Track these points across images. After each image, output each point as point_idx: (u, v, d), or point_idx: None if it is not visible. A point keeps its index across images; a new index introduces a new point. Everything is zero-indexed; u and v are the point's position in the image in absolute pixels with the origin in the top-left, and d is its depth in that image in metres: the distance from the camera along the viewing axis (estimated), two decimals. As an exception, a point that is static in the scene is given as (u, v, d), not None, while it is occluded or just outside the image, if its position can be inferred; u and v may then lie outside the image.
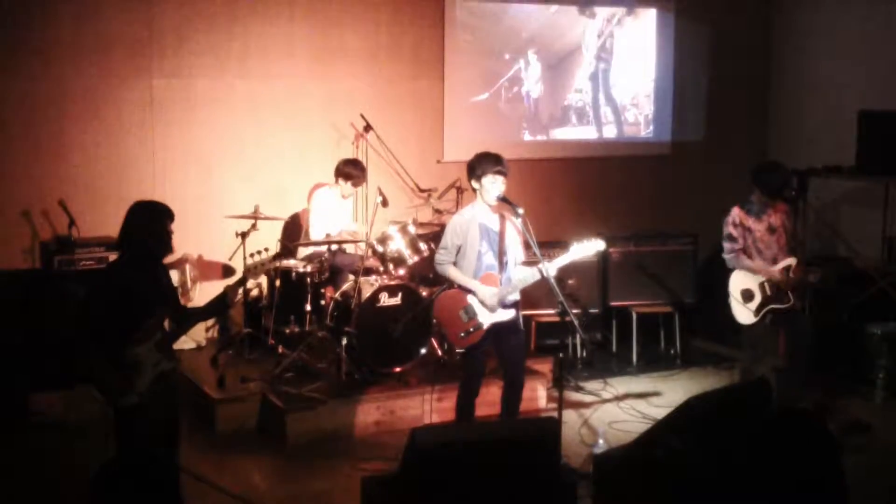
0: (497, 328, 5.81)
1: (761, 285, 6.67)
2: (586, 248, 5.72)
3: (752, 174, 6.83)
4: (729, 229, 6.72)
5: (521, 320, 5.97)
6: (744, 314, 6.71)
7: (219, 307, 5.06)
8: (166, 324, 4.95)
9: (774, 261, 6.70)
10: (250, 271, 5.13)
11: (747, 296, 6.67)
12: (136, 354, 4.73)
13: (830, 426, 6.52)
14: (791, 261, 6.69)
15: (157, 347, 4.78)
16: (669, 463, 4.71)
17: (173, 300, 5.01)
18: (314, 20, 8.30)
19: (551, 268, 5.56)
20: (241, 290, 5.06)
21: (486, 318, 5.77)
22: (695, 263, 8.82)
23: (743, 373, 6.98)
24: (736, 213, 6.74)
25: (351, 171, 7.61)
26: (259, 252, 5.23)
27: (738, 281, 6.73)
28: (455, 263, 5.83)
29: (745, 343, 6.92)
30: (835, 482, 2.60)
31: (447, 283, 6.01)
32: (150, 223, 4.82)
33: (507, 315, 5.81)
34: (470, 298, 5.78)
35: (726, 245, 6.73)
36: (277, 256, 5.26)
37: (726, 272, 6.82)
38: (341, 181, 7.63)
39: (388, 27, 8.57)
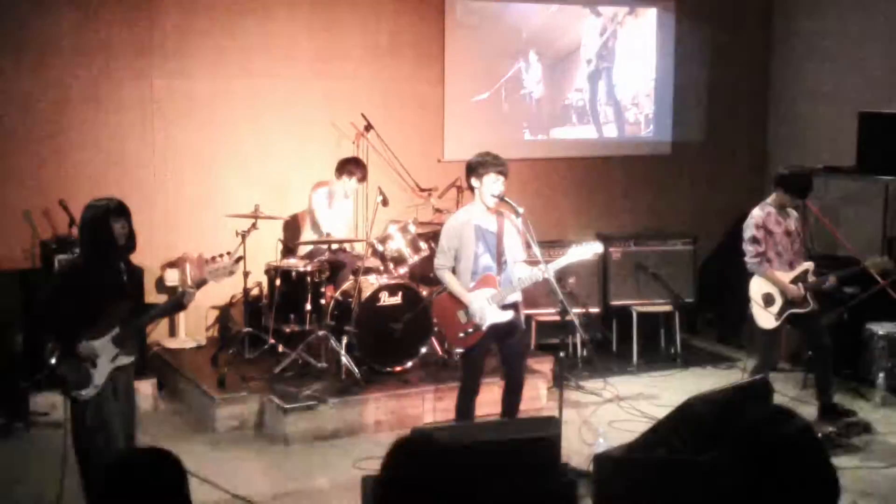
0: (497, 328, 5.80)
1: (781, 290, 6.68)
2: (584, 251, 5.73)
3: (778, 177, 6.82)
4: (753, 232, 6.67)
5: (522, 320, 5.97)
6: (766, 319, 6.70)
7: (175, 307, 5.30)
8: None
9: (791, 265, 6.71)
10: (212, 275, 5.17)
11: (768, 300, 6.67)
12: (91, 348, 4.85)
13: (834, 427, 6.58)
14: (808, 265, 6.71)
15: (114, 342, 4.88)
16: (669, 462, 4.71)
17: (134, 295, 5.07)
18: (315, 20, 8.30)
19: (549, 270, 5.56)
20: (197, 292, 5.22)
21: (483, 320, 5.76)
22: (695, 263, 8.83)
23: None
24: (758, 215, 6.70)
25: (353, 168, 7.64)
26: (220, 256, 5.27)
27: (759, 285, 6.71)
28: (453, 266, 5.83)
29: (760, 347, 6.90)
30: (825, 481, 2.62)
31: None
32: (93, 221, 4.90)
33: (506, 316, 5.80)
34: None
35: (750, 248, 6.69)
36: (239, 259, 5.39)
37: (737, 274, 6.81)
38: (345, 178, 7.64)
39: (388, 27, 8.57)
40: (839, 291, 7.64)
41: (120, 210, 4.93)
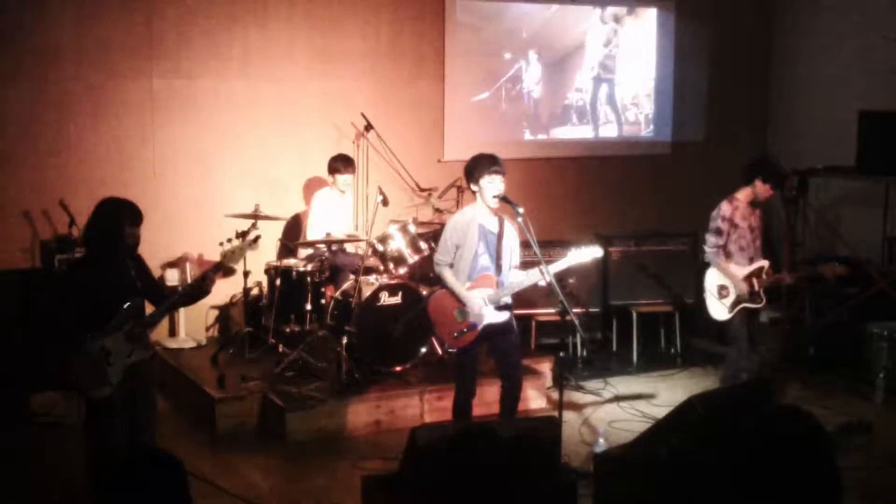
0: (491, 329, 5.80)
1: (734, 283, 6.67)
2: (583, 255, 5.75)
3: (751, 169, 6.78)
4: (719, 223, 6.67)
5: (514, 321, 5.98)
6: (718, 309, 6.72)
7: (196, 292, 5.10)
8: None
9: (750, 261, 6.70)
10: (227, 257, 5.08)
11: (722, 291, 6.68)
12: (104, 346, 4.80)
13: (833, 427, 6.56)
14: (764, 262, 6.70)
15: (128, 338, 4.86)
16: (670, 462, 4.71)
17: (148, 290, 5.02)
18: (314, 20, 8.30)
19: (549, 273, 5.57)
20: (217, 277, 5.10)
21: (479, 319, 5.77)
22: (695, 263, 8.82)
23: (726, 371, 6.89)
24: (727, 207, 6.71)
25: (338, 165, 7.66)
26: (238, 236, 5.18)
27: (715, 276, 6.73)
28: (452, 264, 5.83)
29: (729, 340, 6.90)
30: (828, 479, 2.62)
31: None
32: (106, 223, 4.87)
33: (500, 317, 5.81)
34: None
35: (711, 239, 6.70)
36: (256, 239, 5.24)
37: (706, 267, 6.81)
38: (335, 177, 7.67)
39: (388, 27, 8.57)
40: (837, 291, 7.65)
41: (136, 217, 4.91)
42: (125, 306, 4.85)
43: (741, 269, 6.67)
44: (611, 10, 9.42)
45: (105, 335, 4.82)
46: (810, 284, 7.78)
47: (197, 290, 5.08)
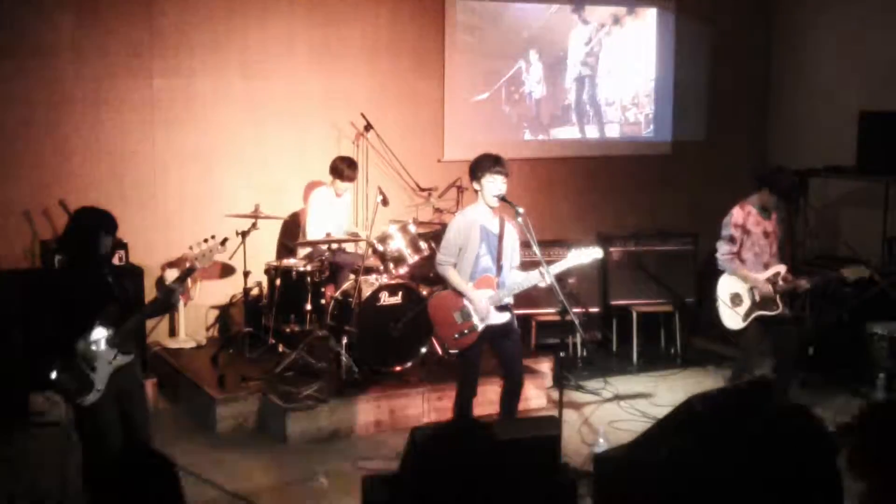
0: (492, 330, 5.81)
1: (750, 290, 6.56)
2: (583, 256, 5.75)
3: (762, 177, 6.69)
4: (731, 230, 6.55)
5: (515, 321, 5.98)
6: (732, 318, 6.57)
7: (165, 304, 5.18)
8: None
9: (766, 266, 6.59)
10: (197, 260, 5.05)
11: (736, 300, 6.56)
12: (87, 352, 4.83)
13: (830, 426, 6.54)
14: (781, 268, 6.57)
15: (109, 344, 4.87)
16: (670, 462, 4.71)
17: (126, 296, 5.03)
18: (314, 19, 8.30)
19: (549, 274, 5.57)
20: (187, 282, 5.10)
21: (485, 320, 5.76)
22: (695, 263, 8.82)
23: (734, 378, 6.85)
24: (739, 214, 6.58)
25: (343, 170, 7.62)
26: (206, 240, 5.13)
27: (728, 284, 6.59)
28: (454, 264, 5.83)
29: (739, 348, 6.83)
30: (830, 480, 2.61)
31: (444, 283, 6.00)
32: (82, 234, 4.91)
33: (501, 318, 5.81)
34: (466, 300, 5.78)
35: (724, 246, 6.57)
36: (224, 241, 5.18)
37: (716, 273, 6.73)
38: (335, 180, 7.66)
39: (388, 26, 8.57)
40: (839, 291, 7.62)
41: (111, 227, 4.95)
42: (102, 313, 4.88)
43: (759, 275, 6.57)
44: (591, 11, 9.35)
45: (86, 342, 4.86)
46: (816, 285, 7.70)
47: (164, 304, 5.17)
